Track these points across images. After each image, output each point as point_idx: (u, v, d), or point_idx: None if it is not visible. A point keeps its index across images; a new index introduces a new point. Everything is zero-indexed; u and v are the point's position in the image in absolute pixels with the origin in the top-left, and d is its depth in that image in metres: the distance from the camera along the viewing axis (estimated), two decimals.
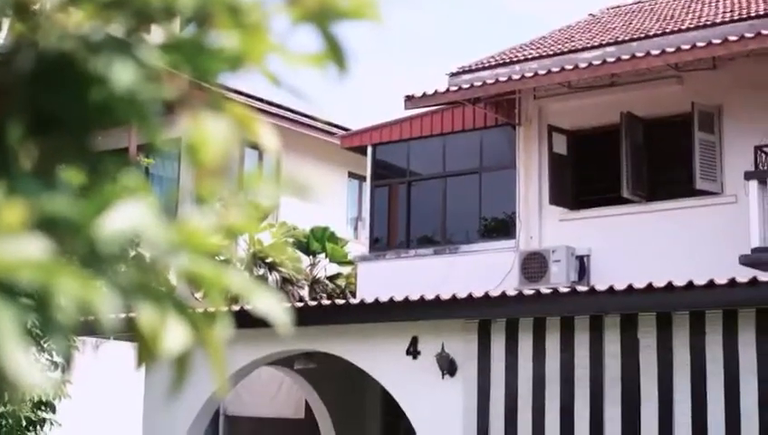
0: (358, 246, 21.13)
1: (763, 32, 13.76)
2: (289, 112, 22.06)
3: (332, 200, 22.39)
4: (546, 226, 16.26)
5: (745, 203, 13.91)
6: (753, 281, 10.86)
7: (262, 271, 19.23)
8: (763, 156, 14.29)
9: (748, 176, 13.94)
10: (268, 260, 19.27)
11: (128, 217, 1.34)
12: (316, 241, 20.52)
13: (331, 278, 20.64)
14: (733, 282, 10.86)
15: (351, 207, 24.39)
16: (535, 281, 14.95)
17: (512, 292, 12.62)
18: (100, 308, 1.32)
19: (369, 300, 13.31)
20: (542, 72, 15.62)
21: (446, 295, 12.47)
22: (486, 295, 12.34)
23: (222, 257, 1.51)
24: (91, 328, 1.51)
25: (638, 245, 15.17)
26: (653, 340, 11.52)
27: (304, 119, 22.46)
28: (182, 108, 1.43)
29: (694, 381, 11.23)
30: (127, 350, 14.78)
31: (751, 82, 14.65)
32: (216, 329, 1.42)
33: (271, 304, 1.42)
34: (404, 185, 18.49)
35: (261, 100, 20.88)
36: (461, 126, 17.67)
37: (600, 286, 11.83)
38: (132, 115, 1.39)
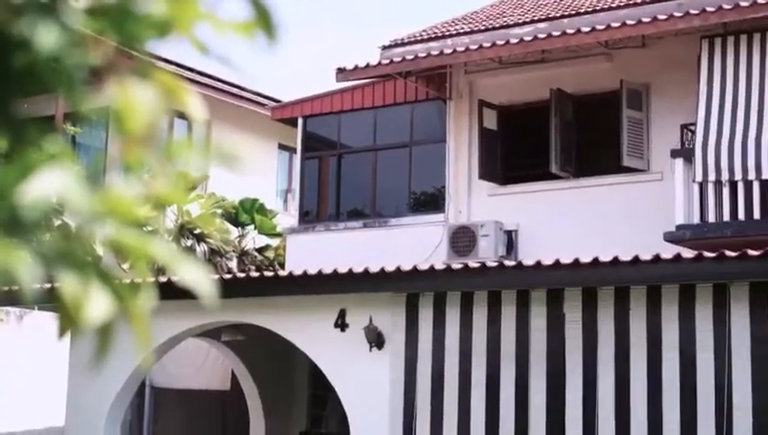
0: (287, 218, 21.08)
1: (692, 11, 13.92)
2: (219, 82, 21.88)
3: (262, 172, 22.28)
4: (475, 200, 16.35)
5: (671, 180, 14.11)
6: (677, 257, 11.03)
7: (190, 242, 19.10)
8: (689, 134, 14.49)
9: (674, 154, 14.13)
10: (196, 231, 19.14)
11: (51, 184, 1.32)
12: (245, 213, 20.43)
13: (260, 250, 20.57)
14: (657, 258, 11.01)
15: (281, 179, 24.31)
16: (464, 255, 15.04)
17: (440, 266, 12.68)
18: (22, 277, 1.30)
19: (298, 272, 13.30)
20: (473, 46, 15.66)
21: (374, 269, 12.49)
22: (415, 269, 12.38)
23: (149, 228, 1.50)
24: (13, 298, 1.48)
25: (565, 220, 15.32)
26: (578, 314, 11.66)
27: (234, 89, 22.29)
28: (108, 75, 1.40)
29: (618, 356, 11.39)
30: (51, 321, 14.61)
31: (678, 61, 14.83)
32: (140, 300, 1.40)
33: (197, 276, 1.41)
34: (334, 157, 18.46)
35: (190, 69, 20.68)
36: (392, 99, 17.67)
37: (528, 261, 11.93)
38: (57, 81, 1.37)
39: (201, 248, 19.17)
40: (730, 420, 10.74)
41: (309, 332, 13.29)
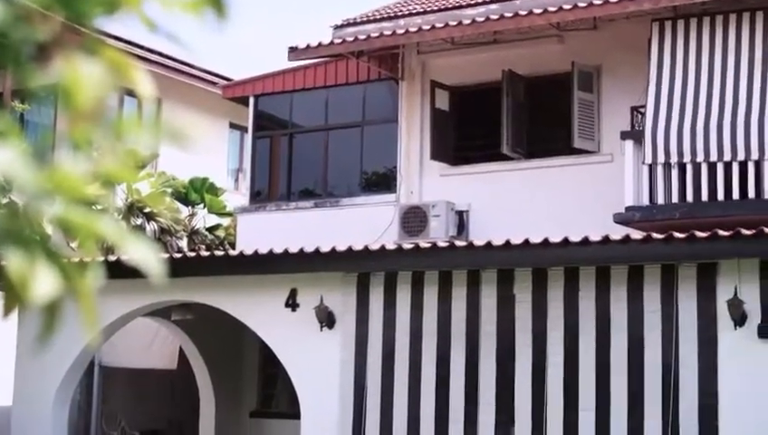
0: (238, 197, 21.00)
1: None
2: (169, 60, 21.69)
3: (213, 151, 22.15)
4: (427, 180, 16.38)
5: (621, 162, 14.21)
6: (626, 239, 11.12)
7: (139, 221, 18.97)
8: (639, 116, 14.60)
9: (624, 136, 14.23)
10: (146, 210, 19.02)
11: None
12: (195, 192, 20.32)
13: (211, 229, 20.49)
14: (606, 239, 11.10)
15: (233, 159, 24.20)
16: (415, 235, 15.07)
17: (391, 246, 12.69)
18: None
19: (249, 252, 13.26)
20: (425, 27, 15.65)
21: (325, 248, 12.49)
22: (366, 249, 12.39)
23: (98, 206, 1.49)
24: None
25: (516, 201, 15.39)
26: (528, 294, 11.73)
27: (185, 67, 22.12)
28: (56, 51, 1.39)
29: (567, 335, 11.49)
30: None
31: (629, 43, 14.91)
32: (88, 278, 1.39)
33: (146, 255, 1.40)
34: (286, 137, 18.41)
35: (139, 46, 20.47)
36: (344, 79, 17.63)
37: (478, 241, 11.97)
38: (4, 57, 1.35)
39: (151, 227, 19.05)
40: (676, 398, 10.87)
41: (260, 311, 13.27)
